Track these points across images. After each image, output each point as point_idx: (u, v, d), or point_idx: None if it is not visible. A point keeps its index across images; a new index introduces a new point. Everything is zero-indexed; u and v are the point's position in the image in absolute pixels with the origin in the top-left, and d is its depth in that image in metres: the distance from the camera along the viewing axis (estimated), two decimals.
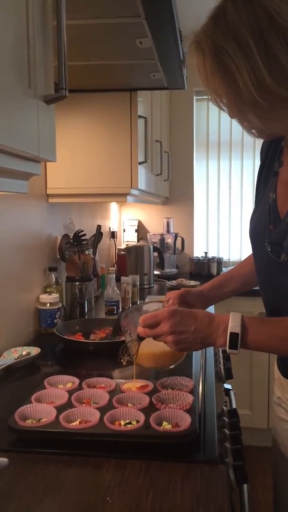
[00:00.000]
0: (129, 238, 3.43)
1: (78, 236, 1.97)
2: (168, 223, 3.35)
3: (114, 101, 1.83)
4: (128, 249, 2.83)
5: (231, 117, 0.92)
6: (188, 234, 3.39)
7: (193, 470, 0.86)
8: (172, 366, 1.12)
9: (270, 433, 1.24)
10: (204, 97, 3.31)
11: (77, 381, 1.16)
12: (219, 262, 3.21)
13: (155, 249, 2.90)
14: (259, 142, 1.18)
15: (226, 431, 1.03)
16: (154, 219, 3.45)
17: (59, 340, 1.57)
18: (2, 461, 0.80)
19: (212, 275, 3.10)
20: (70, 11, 0.88)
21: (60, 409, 1.00)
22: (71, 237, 1.97)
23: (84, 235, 2.00)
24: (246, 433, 1.17)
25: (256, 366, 2.76)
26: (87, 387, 1.13)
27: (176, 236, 3.28)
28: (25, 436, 0.95)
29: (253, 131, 0.94)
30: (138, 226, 3.45)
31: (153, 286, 2.77)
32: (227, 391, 1.37)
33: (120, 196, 1.94)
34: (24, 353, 1.45)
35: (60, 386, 1.15)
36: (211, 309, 1.97)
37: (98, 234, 2.25)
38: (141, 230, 3.46)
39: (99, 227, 2.26)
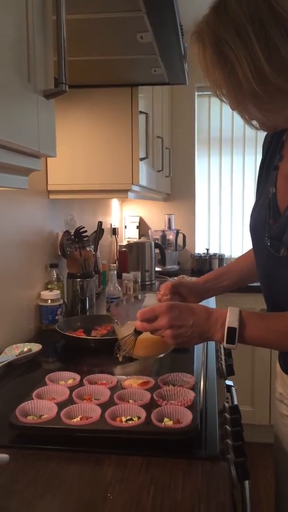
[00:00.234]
0: (130, 234, 3.43)
1: (79, 232, 1.97)
2: (169, 220, 3.34)
3: (115, 96, 1.82)
4: (130, 245, 2.82)
5: (232, 109, 0.92)
6: (189, 230, 3.38)
7: (194, 467, 0.85)
8: (163, 355, 1.10)
9: (272, 429, 1.24)
10: (205, 92, 3.29)
11: (78, 377, 1.16)
12: (221, 258, 3.20)
13: (156, 245, 2.89)
14: (261, 138, 1.17)
15: (228, 427, 1.02)
16: (156, 216, 3.44)
17: (60, 337, 1.57)
18: (3, 458, 0.80)
19: None
20: (70, 5, 0.87)
21: (61, 405, 1.00)
22: (72, 233, 1.97)
23: (85, 231, 2.00)
24: (247, 429, 1.17)
25: (257, 363, 2.76)
26: (88, 383, 1.13)
27: (177, 232, 3.27)
28: (26, 433, 0.95)
29: (253, 122, 0.94)
30: (139, 222, 3.45)
31: (155, 283, 2.76)
32: (228, 387, 1.37)
33: (121, 193, 1.93)
34: (25, 349, 1.45)
35: (61, 382, 1.15)
36: (211, 304, 1.97)
37: (99, 230, 2.25)
38: (142, 226, 3.45)
39: (100, 223, 2.26)
